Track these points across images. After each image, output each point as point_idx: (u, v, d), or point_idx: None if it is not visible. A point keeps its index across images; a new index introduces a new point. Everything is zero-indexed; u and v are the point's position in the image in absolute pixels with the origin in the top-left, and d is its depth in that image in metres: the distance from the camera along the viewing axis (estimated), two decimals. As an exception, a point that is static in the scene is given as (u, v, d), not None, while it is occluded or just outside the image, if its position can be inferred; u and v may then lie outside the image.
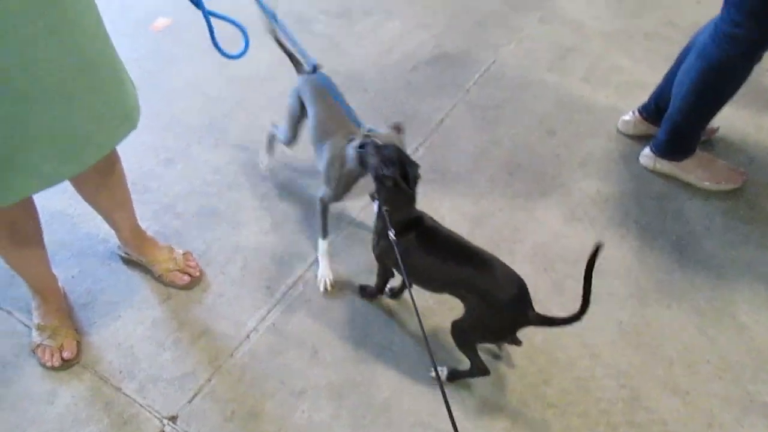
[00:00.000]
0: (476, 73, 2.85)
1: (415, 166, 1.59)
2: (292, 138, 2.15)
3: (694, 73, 2.10)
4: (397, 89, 2.77)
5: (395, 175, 1.54)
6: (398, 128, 1.72)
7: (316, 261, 2.10)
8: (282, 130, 2.19)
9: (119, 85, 1.58)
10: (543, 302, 1.99)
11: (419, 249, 1.63)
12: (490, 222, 2.23)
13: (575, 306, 1.97)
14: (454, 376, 1.79)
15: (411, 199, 1.64)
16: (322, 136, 1.91)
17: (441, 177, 2.40)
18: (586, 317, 1.94)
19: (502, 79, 2.82)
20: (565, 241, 2.17)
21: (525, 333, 1.90)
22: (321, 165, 1.92)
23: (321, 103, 1.94)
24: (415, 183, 1.61)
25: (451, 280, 1.62)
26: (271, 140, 2.34)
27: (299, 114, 2.06)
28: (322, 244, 2.03)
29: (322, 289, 2.02)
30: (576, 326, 1.91)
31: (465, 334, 1.66)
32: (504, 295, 1.55)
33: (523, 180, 2.38)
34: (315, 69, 1.98)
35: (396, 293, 2.00)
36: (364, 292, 2.01)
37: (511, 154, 2.48)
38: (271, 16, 1.91)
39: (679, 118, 2.24)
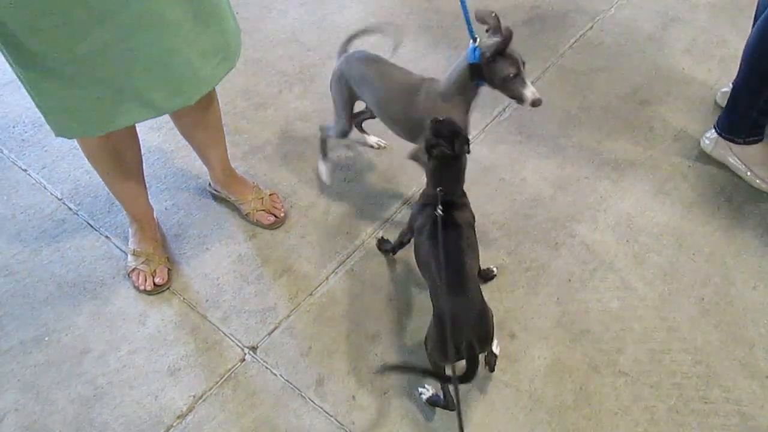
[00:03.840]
0: (572, 37, 2.78)
1: (463, 140, 1.56)
2: (349, 128, 2.06)
3: (759, 26, 1.96)
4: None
5: (442, 144, 1.53)
6: (507, 33, 1.61)
7: (396, 212, 2.14)
8: (334, 126, 2.09)
9: (225, 23, 1.64)
10: (621, 273, 1.97)
11: (429, 228, 1.60)
12: (574, 188, 2.21)
13: (654, 280, 1.95)
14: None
15: (455, 178, 1.62)
16: (397, 102, 1.85)
17: (526, 139, 2.38)
18: (666, 288, 1.92)
19: (599, 46, 2.74)
20: (650, 214, 2.12)
21: (600, 298, 1.90)
22: (406, 131, 1.89)
23: (378, 73, 1.89)
24: (461, 154, 1.57)
25: (429, 275, 1.61)
26: (324, 145, 2.22)
27: (348, 98, 1.98)
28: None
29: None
30: (655, 298, 1.91)
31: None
32: (450, 315, 1.45)
33: (612, 150, 2.33)
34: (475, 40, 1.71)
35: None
36: (380, 244, 2.04)
37: (601, 122, 2.43)
38: None
39: (740, 82, 2.09)
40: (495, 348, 1.76)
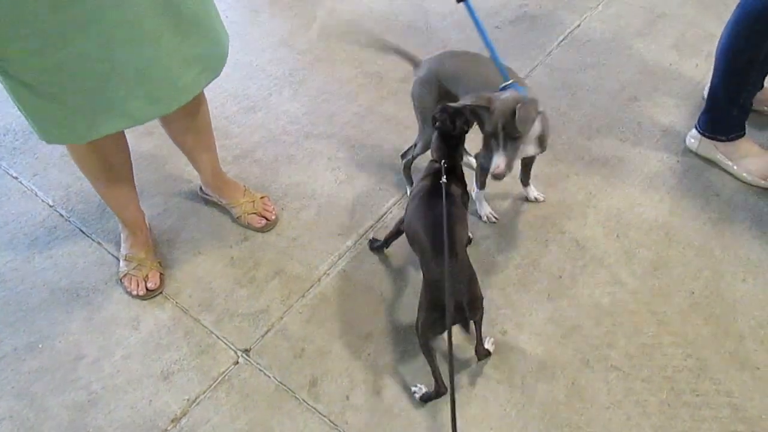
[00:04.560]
0: (560, 35, 2.80)
1: (462, 118, 1.70)
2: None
3: (730, 26, 1.98)
4: (477, 48, 2.74)
5: (441, 118, 1.71)
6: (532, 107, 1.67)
7: (387, 212, 2.15)
8: (418, 140, 2.03)
9: (209, 32, 1.64)
10: (612, 268, 1.98)
11: (422, 194, 1.73)
12: (563, 184, 2.22)
13: (644, 274, 1.96)
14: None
15: (453, 150, 1.75)
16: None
17: (516, 138, 2.39)
18: (656, 283, 1.93)
19: (587, 43, 2.76)
20: (640, 210, 2.13)
21: (591, 293, 1.91)
22: None
23: (472, 66, 1.89)
24: (459, 132, 1.72)
25: (418, 245, 1.69)
26: (408, 168, 2.15)
27: (437, 98, 1.91)
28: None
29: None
30: (645, 292, 1.92)
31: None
32: (439, 276, 1.56)
33: (601, 146, 2.34)
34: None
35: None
36: (371, 244, 2.06)
37: (590, 119, 2.44)
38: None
39: (717, 82, 2.10)
40: (489, 344, 1.77)
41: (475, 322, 1.68)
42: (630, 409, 1.69)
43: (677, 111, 2.45)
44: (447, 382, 1.55)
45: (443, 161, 1.73)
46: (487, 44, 1.77)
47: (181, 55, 1.56)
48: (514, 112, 1.61)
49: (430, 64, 1.94)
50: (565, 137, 2.37)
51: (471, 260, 1.65)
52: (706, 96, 2.42)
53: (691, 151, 2.29)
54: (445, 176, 1.69)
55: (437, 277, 1.56)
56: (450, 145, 1.75)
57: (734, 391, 1.71)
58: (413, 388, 1.71)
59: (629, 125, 2.41)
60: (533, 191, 2.17)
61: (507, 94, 1.68)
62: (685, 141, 2.31)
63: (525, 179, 2.15)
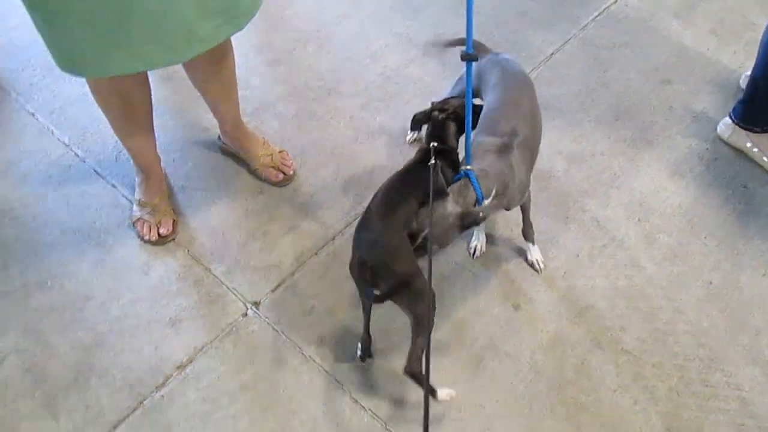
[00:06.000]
0: (596, 10, 2.71)
1: (449, 115, 1.68)
2: None
3: None
4: (511, 17, 2.68)
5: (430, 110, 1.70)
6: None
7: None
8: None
9: None
10: (631, 251, 1.95)
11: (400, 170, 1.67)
12: (588, 163, 2.17)
13: (663, 260, 1.93)
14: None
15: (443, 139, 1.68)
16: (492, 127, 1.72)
17: (543, 111, 2.33)
18: (675, 270, 1.90)
19: (623, 20, 2.67)
20: (664, 195, 2.09)
21: (608, 275, 1.89)
22: None
23: (504, 90, 1.78)
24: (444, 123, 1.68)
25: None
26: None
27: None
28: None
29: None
30: (663, 279, 1.89)
31: None
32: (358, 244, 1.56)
33: (629, 127, 2.29)
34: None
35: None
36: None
37: (620, 99, 2.38)
38: None
39: (758, 73, 2.04)
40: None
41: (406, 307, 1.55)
42: (638, 393, 1.67)
43: (711, 98, 2.38)
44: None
45: (432, 144, 1.64)
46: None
47: (203, 4, 1.52)
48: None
49: (490, 60, 1.85)
50: (593, 115, 2.32)
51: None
52: (742, 85, 2.36)
53: (721, 140, 2.23)
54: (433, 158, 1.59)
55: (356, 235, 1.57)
56: (439, 132, 1.69)
57: (744, 385, 1.70)
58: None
59: (660, 108, 2.35)
60: (534, 252, 1.92)
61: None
62: (716, 129, 2.25)
63: (525, 233, 1.92)
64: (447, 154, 1.62)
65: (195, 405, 1.66)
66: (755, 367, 1.73)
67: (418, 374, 1.50)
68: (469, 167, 1.56)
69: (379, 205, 1.56)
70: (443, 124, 1.68)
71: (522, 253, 1.93)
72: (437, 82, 2.39)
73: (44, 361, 1.74)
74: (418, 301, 1.50)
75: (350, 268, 1.58)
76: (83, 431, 1.62)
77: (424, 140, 1.73)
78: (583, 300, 1.85)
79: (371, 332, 1.69)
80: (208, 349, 1.75)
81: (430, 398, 1.34)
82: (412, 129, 1.72)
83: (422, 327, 1.50)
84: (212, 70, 1.89)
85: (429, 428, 0.64)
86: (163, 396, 1.68)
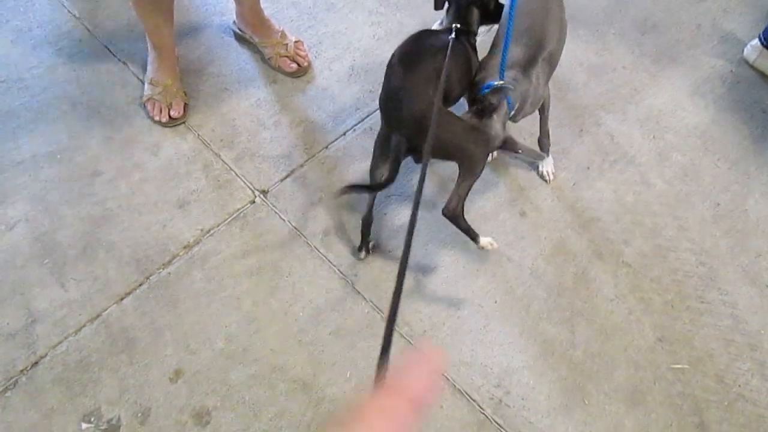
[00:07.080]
0: None
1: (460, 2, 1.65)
2: None
3: None
4: None
5: None
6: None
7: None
8: None
9: None
10: (642, 168, 1.93)
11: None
12: (609, 76, 2.13)
13: (673, 179, 1.92)
14: None
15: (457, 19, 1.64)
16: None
17: (567, 20, 2.26)
18: (684, 189, 1.90)
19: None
20: (682, 114, 2.06)
21: (616, 189, 1.88)
22: None
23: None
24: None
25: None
26: None
27: None
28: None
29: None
30: (671, 197, 1.89)
31: None
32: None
33: (654, 43, 2.22)
34: None
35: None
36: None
37: (648, 13, 2.30)
38: None
39: None
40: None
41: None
42: (633, 304, 1.71)
43: (741, 18, 2.30)
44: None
45: (455, 25, 1.61)
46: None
47: None
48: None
49: None
50: (618, 27, 2.25)
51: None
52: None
53: (747, 63, 2.18)
54: (454, 33, 1.57)
55: (388, 95, 1.52)
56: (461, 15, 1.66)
57: (739, 303, 1.73)
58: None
59: (688, 25, 2.28)
60: (546, 163, 1.90)
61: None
62: (743, 51, 2.19)
63: (540, 142, 1.88)
64: (467, 36, 1.63)
65: (200, 284, 1.70)
66: (752, 288, 1.75)
67: (457, 216, 1.52)
68: (502, 82, 1.53)
69: (404, 59, 1.51)
70: (467, 7, 1.65)
71: (533, 162, 1.92)
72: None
73: (53, 232, 1.76)
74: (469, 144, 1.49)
75: (374, 163, 1.56)
76: (91, 300, 1.66)
77: (445, 22, 1.70)
78: (589, 212, 1.85)
79: (372, 231, 1.71)
80: (215, 232, 1.77)
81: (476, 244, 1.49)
82: (436, 8, 1.65)
83: (468, 172, 1.50)
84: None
85: (399, 302, 0.64)
86: (169, 273, 1.71)
